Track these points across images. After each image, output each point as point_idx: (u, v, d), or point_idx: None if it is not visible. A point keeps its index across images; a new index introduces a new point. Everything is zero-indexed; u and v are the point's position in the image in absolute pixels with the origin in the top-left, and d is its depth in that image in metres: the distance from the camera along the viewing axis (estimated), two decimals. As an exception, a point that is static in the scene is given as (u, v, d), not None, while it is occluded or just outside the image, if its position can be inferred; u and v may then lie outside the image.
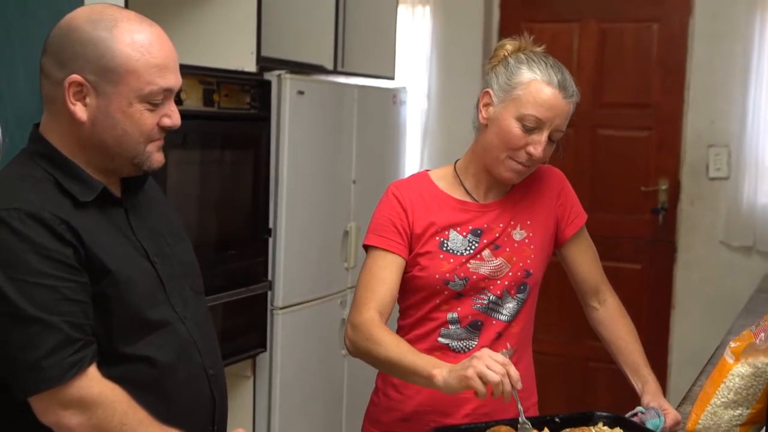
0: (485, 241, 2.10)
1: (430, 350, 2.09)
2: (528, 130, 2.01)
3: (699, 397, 1.82)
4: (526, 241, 2.13)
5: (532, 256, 2.12)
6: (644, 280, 4.51)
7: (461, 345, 2.11)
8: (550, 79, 2.02)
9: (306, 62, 3.75)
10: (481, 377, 1.76)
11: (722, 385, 1.74)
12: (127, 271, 1.66)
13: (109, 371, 1.62)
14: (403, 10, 4.67)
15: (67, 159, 1.66)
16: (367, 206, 4.07)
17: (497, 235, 2.11)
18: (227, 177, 3.27)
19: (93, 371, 1.59)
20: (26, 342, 1.54)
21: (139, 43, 1.62)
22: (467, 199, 2.15)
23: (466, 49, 4.72)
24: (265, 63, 3.41)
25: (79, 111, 1.62)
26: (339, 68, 3.92)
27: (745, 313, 3.20)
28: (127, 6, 2.64)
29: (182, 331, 1.75)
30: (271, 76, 3.41)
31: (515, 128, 2.02)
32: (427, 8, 4.75)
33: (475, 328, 2.11)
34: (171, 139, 2.85)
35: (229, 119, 3.21)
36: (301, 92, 3.49)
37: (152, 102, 1.64)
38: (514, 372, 1.77)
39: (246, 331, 3.38)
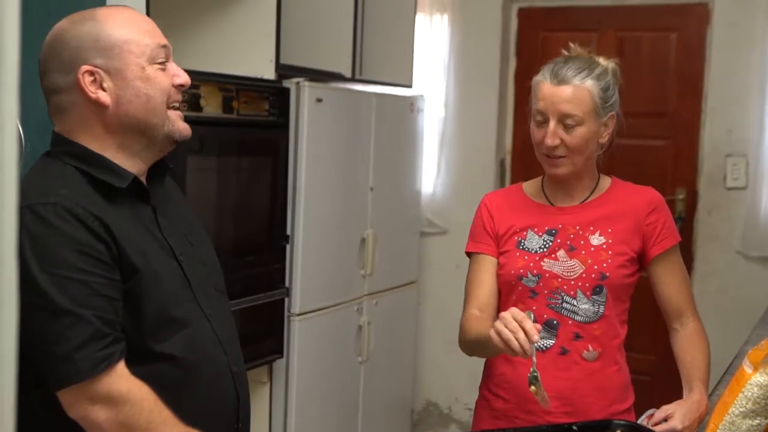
0: (559, 240, 2.20)
1: None
2: (539, 124, 2.17)
3: (717, 407, 1.81)
4: (604, 246, 2.18)
5: (609, 260, 2.17)
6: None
7: (539, 344, 2.16)
8: (546, 73, 2.17)
9: (324, 70, 3.77)
10: (499, 334, 1.88)
11: (740, 395, 1.73)
12: (155, 268, 1.69)
13: (136, 369, 1.64)
14: (421, 18, 4.67)
15: (95, 153, 1.70)
16: (385, 213, 4.10)
17: (572, 236, 2.19)
18: (245, 183, 3.29)
19: (122, 367, 1.61)
20: (58, 334, 1.56)
21: (122, 18, 1.72)
22: (546, 203, 2.28)
23: (484, 58, 4.72)
24: (284, 70, 3.43)
25: (102, 97, 1.68)
26: (357, 76, 3.93)
27: (762, 323, 3.18)
28: (148, 14, 2.66)
29: (207, 330, 1.77)
30: (289, 83, 3.43)
31: (533, 128, 2.19)
32: (446, 16, 4.75)
33: (551, 327, 2.18)
34: (189, 145, 2.88)
35: (248, 126, 3.23)
36: (319, 100, 3.51)
37: (158, 61, 1.73)
38: (529, 326, 1.86)
39: (263, 337, 3.38)
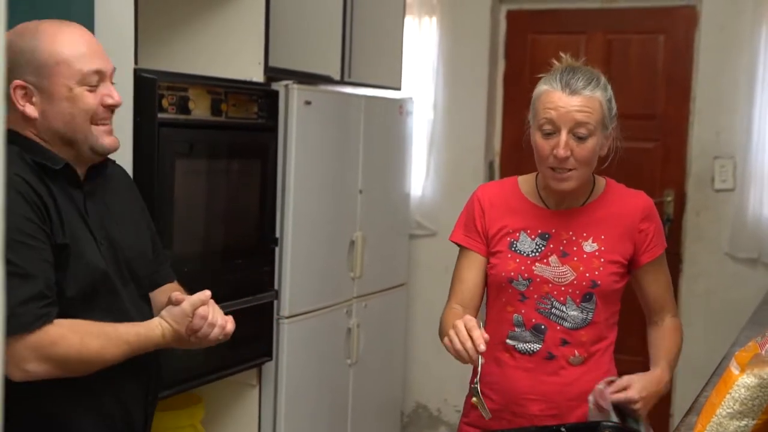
0: (552, 245, 2.19)
1: (501, 350, 2.23)
2: (548, 135, 2.11)
3: (704, 408, 1.82)
4: (597, 253, 2.19)
5: (601, 268, 2.18)
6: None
7: (526, 347, 2.20)
8: (555, 83, 2.12)
9: (313, 72, 3.76)
10: (450, 342, 1.95)
11: (728, 396, 1.73)
12: (80, 244, 1.86)
13: None
14: (410, 21, 4.68)
15: (31, 140, 1.88)
16: (374, 215, 4.10)
17: (565, 241, 2.19)
18: (234, 186, 3.28)
19: (55, 326, 1.78)
20: (5, 292, 1.63)
21: (62, 39, 1.87)
22: (542, 205, 2.26)
23: (473, 60, 4.73)
24: (273, 73, 3.42)
25: (29, 110, 1.86)
26: (346, 78, 3.93)
27: (750, 325, 3.19)
28: (136, 19, 2.67)
29: (122, 306, 1.95)
30: (278, 86, 3.42)
31: (539, 139, 2.14)
32: (434, 19, 4.76)
33: (539, 331, 2.20)
34: (178, 148, 2.88)
35: (237, 129, 3.22)
36: (308, 102, 3.51)
37: (89, 84, 1.87)
38: (477, 335, 1.90)
39: (252, 340, 3.38)
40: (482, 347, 1.90)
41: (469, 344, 1.89)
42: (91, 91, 1.88)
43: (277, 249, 3.47)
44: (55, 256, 1.80)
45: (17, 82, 1.83)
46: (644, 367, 4.47)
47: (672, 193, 4.45)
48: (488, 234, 2.25)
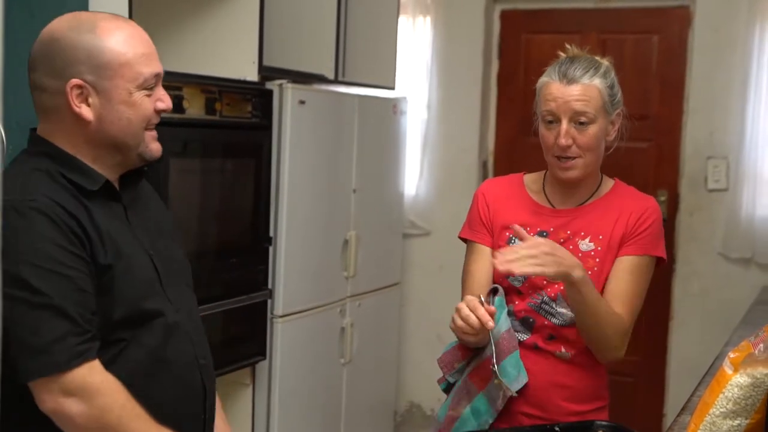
0: None
1: None
2: (550, 124, 2.16)
3: (698, 408, 1.82)
4: (592, 253, 2.19)
5: (595, 268, 2.18)
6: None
7: (516, 336, 2.20)
8: (554, 74, 2.16)
9: (307, 72, 3.77)
10: (455, 324, 1.97)
11: (721, 396, 1.74)
12: (129, 259, 1.73)
13: (107, 358, 1.68)
14: (404, 21, 4.68)
15: (69, 155, 1.74)
16: (368, 215, 4.11)
17: (562, 240, 2.19)
18: (228, 185, 3.29)
19: (97, 363, 1.64)
20: (37, 326, 1.59)
21: (123, 38, 1.74)
22: (545, 203, 2.28)
23: (467, 59, 4.73)
24: (267, 72, 3.43)
25: (85, 112, 1.72)
26: (340, 78, 3.93)
27: (743, 325, 3.20)
28: (131, 16, 2.66)
29: (177, 322, 1.82)
30: (272, 85, 3.43)
31: (543, 129, 2.19)
32: (428, 19, 4.76)
33: (527, 324, 2.20)
34: (172, 147, 2.88)
35: (231, 128, 3.22)
36: (302, 101, 3.51)
37: (148, 87, 1.76)
38: (481, 313, 1.92)
39: (245, 339, 3.38)
40: (490, 324, 1.92)
41: (473, 319, 1.92)
42: (148, 95, 1.77)
43: (270, 248, 3.47)
44: (98, 280, 1.67)
45: (75, 81, 1.69)
46: (636, 366, 4.47)
47: (665, 194, 4.46)
48: (493, 227, 2.27)
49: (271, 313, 3.50)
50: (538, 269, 1.97)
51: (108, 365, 1.67)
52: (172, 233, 1.98)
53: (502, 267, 1.95)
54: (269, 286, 3.47)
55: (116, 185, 1.82)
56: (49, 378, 1.59)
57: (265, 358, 3.48)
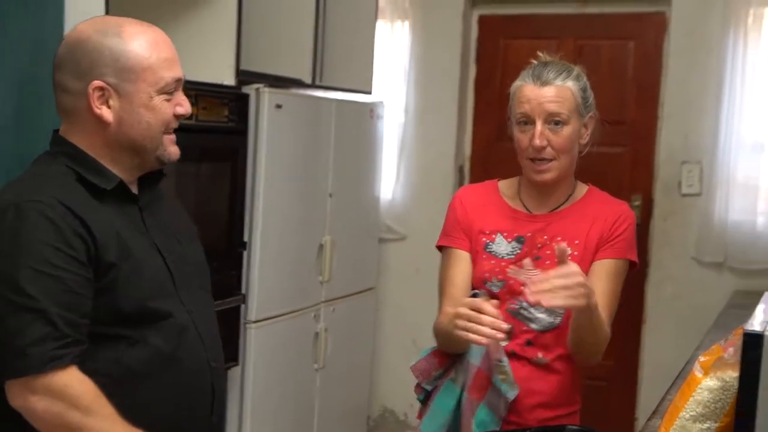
0: (526, 249, 2.21)
1: None
2: (524, 126, 2.18)
3: (668, 411, 1.84)
4: (569, 258, 2.18)
5: None
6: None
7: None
8: (528, 77, 2.19)
9: (284, 76, 3.77)
10: (464, 329, 1.92)
11: (691, 399, 1.75)
12: (139, 259, 1.75)
13: (114, 355, 1.71)
14: (382, 25, 4.69)
15: (87, 155, 1.77)
16: (343, 219, 4.10)
17: (539, 245, 2.21)
18: (204, 189, 3.28)
19: (73, 368, 1.66)
20: (20, 328, 1.62)
21: (147, 42, 1.78)
22: (521, 208, 2.28)
23: (445, 64, 4.74)
24: (244, 76, 3.43)
25: (106, 114, 1.75)
26: (317, 82, 3.94)
27: (715, 329, 3.23)
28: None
29: (188, 323, 1.83)
30: (249, 89, 3.43)
31: (518, 132, 2.20)
32: (406, 23, 4.77)
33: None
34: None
35: (207, 132, 3.22)
36: (279, 106, 3.51)
37: (168, 92, 1.79)
38: (490, 310, 1.90)
39: (219, 344, 3.37)
40: (505, 326, 1.91)
41: (485, 328, 1.89)
42: (168, 99, 1.80)
43: (245, 252, 3.46)
44: (103, 278, 1.69)
45: (97, 82, 1.73)
46: (610, 371, 4.50)
47: (640, 198, 4.50)
48: (470, 231, 2.27)
49: (245, 319, 3.49)
50: (570, 302, 1.91)
51: (112, 363, 1.71)
52: (194, 236, 2.01)
53: (532, 298, 1.88)
54: (243, 291, 3.47)
55: (135, 187, 1.86)
56: (22, 379, 1.63)
57: (237, 364, 3.47)
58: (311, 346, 3.91)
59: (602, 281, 2.19)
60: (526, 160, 2.21)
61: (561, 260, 1.94)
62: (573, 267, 1.93)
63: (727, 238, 4.24)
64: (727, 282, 4.26)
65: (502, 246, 2.24)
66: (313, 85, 3.92)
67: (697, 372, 1.78)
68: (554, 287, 1.88)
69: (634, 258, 2.27)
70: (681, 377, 2.38)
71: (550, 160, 2.18)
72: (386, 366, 4.85)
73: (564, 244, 2.07)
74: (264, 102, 3.44)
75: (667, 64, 4.44)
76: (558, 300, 1.89)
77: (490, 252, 2.24)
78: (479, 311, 1.92)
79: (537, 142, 2.15)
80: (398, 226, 4.81)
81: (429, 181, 4.77)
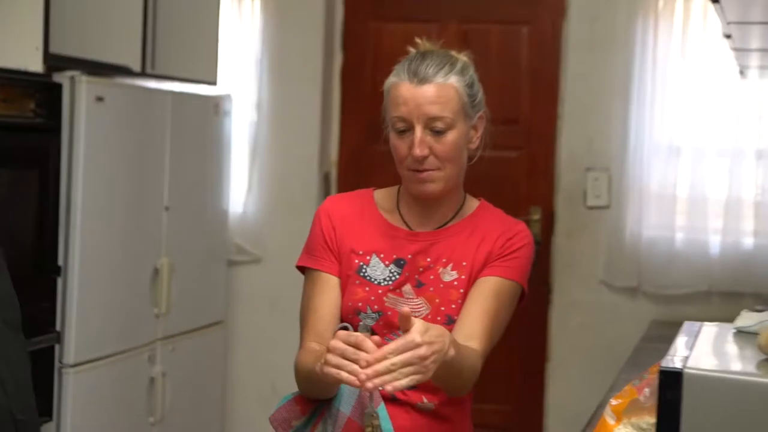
0: (407, 274, 2.19)
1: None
2: (402, 133, 2.16)
3: (577, 465, 1.84)
4: (455, 283, 2.18)
5: (459, 301, 2.17)
6: (513, 326, 4.54)
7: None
8: (403, 73, 2.16)
9: (107, 62, 3.73)
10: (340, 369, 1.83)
11: (602, 451, 1.76)
12: None
13: None
14: (227, 4, 4.65)
15: None
16: (183, 238, 4.06)
17: (421, 269, 2.19)
18: (4, 202, 3.21)
19: None
20: None
21: None
22: (401, 225, 2.26)
23: (305, 51, 4.75)
24: (55, 62, 3.39)
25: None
26: (148, 70, 3.92)
27: (629, 366, 3.28)
28: None
29: None
30: (62, 77, 3.41)
31: (394, 139, 2.18)
32: (257, 2, 4.75)
33: None
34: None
35: (8, 129, 3.17)
36: (100, 98, 3.48)
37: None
38: (370, 347, 1.82)
39: (27, 395, 3.27)
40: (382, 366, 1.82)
41: (362, 370, 1.80)
42: None
43: (59, 280, 3.43)
44: None
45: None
46: (507, 417, 4.55)
47: (539, 211, 4.55)
48: (340, 251, 2.25)
49: (60, 362, 3.46)
50: (417, 378, 1.84)
51: None
52: None
53: (369, 384, 1.81)
54: (57, 328, 3.43)
55: None
56: None
57: (51, 419, 3.41)
58: (145, 394, 3.87)
59: (484, 298, 2.17)
60: (406, 170, 2.19)
61: (403, 327, 1.87)
62: (414, 336, 1.85)
63: (641, 258, 4.34)
64: (642, 310, 4.35)
65: (378, 270, 2.22)
66: (144, 74, 3.90)
67: (609, 418, 1.79)
68: (394, 365, 1.82)
69: (525, 286, 2.26)
70: (591, 425, 2.39)
71: (434, 169, 2.17)
72: (240, 417, 4.80)
73: (407, 309, 1.96)
74: (81, 93, 3.42)
75: (567, 54, 4.52)
76: (402, 381, 1.83)
77: (364, 276, 2.22)
78: (357, 348, 1.85)
79: (417, 151, 2.13)
80: (251, 247, 4.79)
81: (288, 191, 4.76)
